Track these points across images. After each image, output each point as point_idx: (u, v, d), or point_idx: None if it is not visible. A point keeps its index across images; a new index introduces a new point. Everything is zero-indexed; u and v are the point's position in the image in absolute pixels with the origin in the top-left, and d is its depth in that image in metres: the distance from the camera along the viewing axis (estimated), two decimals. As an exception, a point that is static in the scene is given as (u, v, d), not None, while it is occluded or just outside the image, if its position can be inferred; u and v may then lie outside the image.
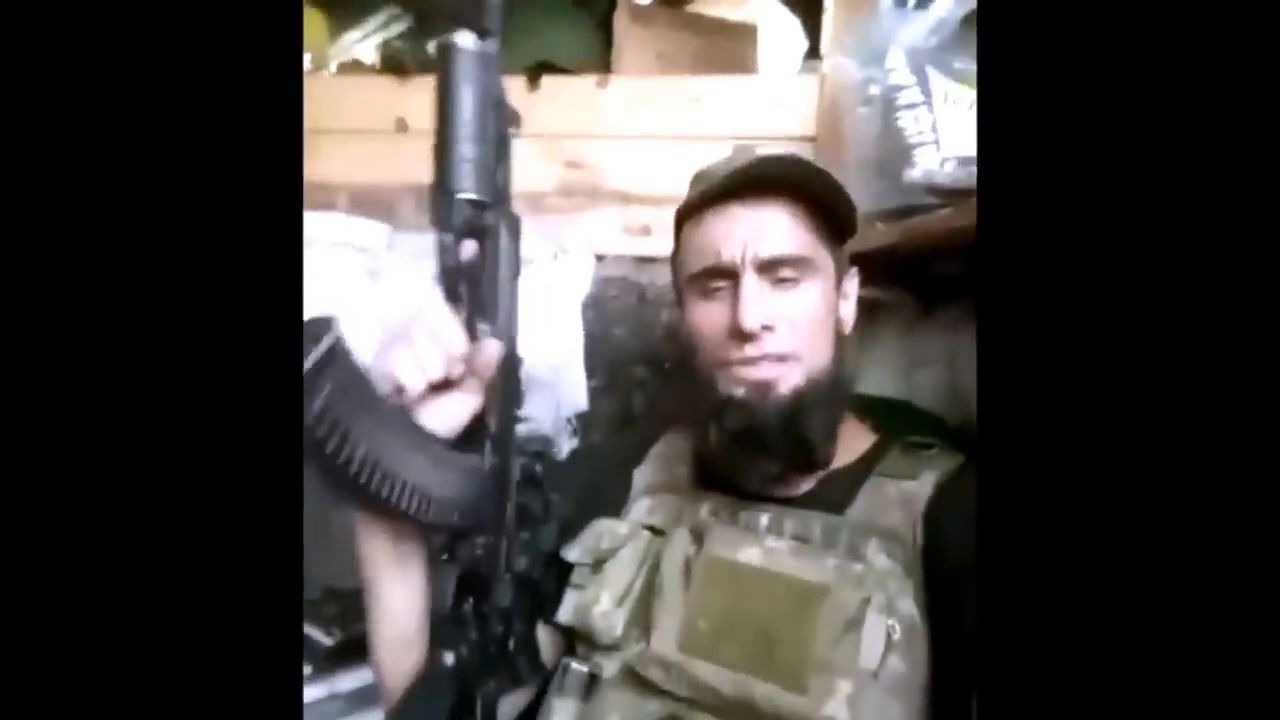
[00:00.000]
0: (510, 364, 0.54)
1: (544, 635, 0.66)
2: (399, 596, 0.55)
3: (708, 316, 0.63)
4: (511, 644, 0.58)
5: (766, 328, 0.60)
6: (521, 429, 0.57)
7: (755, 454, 0.61)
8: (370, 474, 0.46)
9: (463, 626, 0.55)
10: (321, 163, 1.18)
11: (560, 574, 0.66)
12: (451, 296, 0.51)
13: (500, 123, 0.52)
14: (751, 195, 0.61)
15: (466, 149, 0.49)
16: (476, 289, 0.51)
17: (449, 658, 0.54)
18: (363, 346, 0.50)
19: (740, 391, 0.61)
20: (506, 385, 0.54)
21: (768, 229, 0.61)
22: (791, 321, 0.61)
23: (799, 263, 0.61)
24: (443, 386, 0.50)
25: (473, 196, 0.50)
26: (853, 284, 0.69)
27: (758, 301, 0.60)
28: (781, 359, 0.60)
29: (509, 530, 0.56)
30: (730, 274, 0.61)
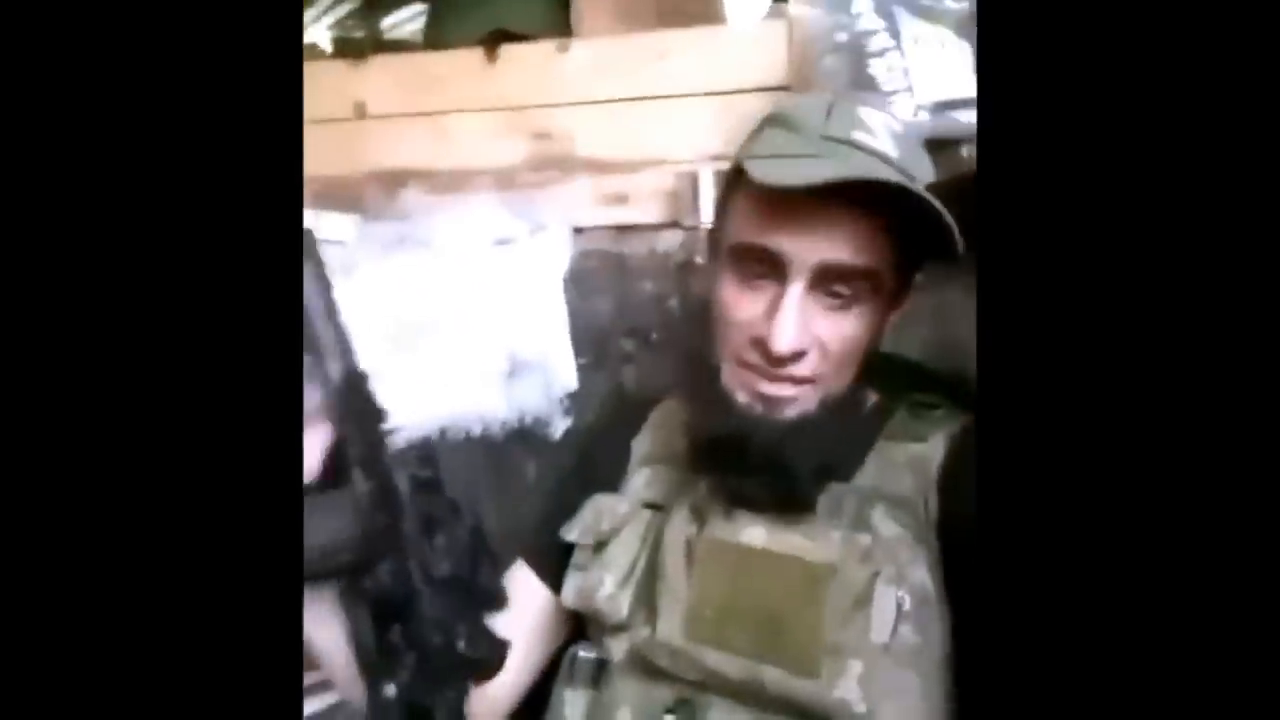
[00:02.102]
0: (354, 382, 0.51)
1: (507, 621, 0.64)
2: (326, 638, 0.53)
3: (738, 302, 0.56)
4: (462, 644, 0.57)
5: (799, 354, 0.54)
6: (398, 439, 0.55)
7: (737, 468, 0.58)
8: None
9: (395, 654, 0.53)
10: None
11: (536, 557, 0.66)
12: None
13: None
14: (830, 191, 0.50)
15: None
16: None
17: (390, 690, 0.53)
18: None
19: (742, 398, 0.57)
20: (357, 407, 0.51)
21: (838, 228, 0.52)
22: (826, 347, 0.55)
23: (861, 276, 0.53)
24: None
25: None
26: (911, 291, 0.61)
27: (798, 322, 0.53)
28: (801, 381, 0.56)
29: (413, 544, 0.53)
30: (779, 267, 0.54)
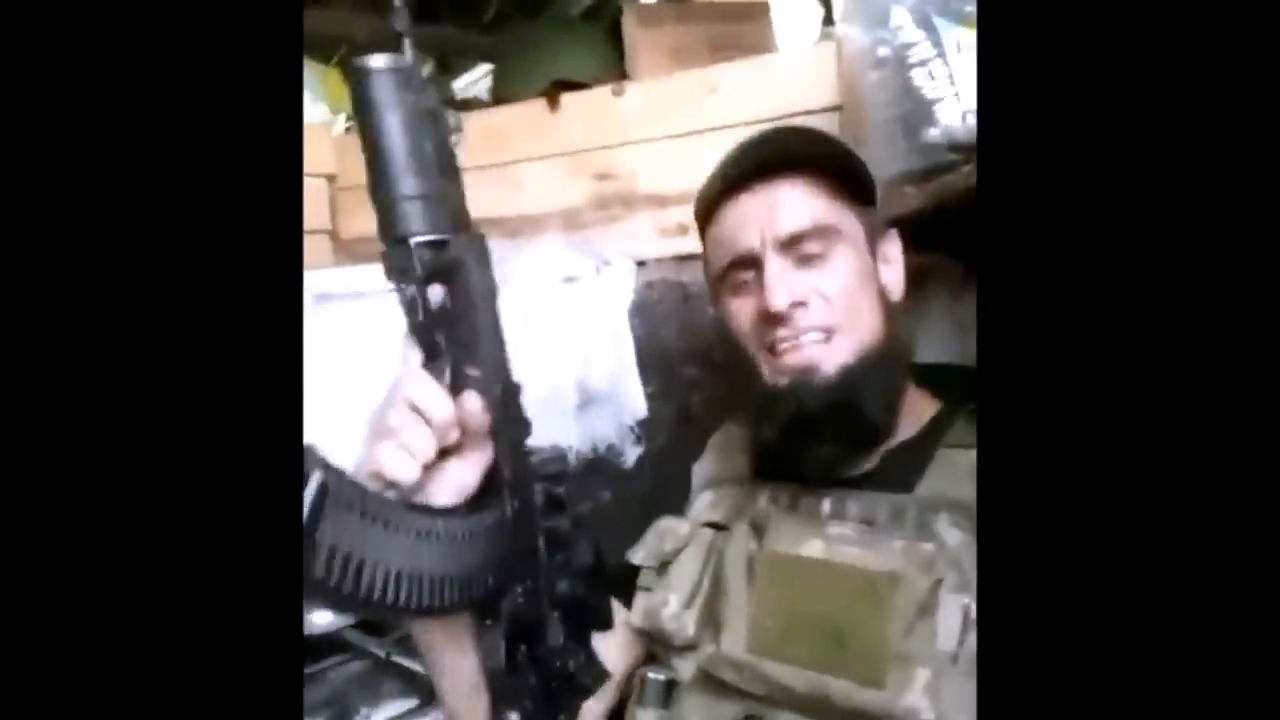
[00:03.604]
0: (508, 395, 0.49)
1: (603, 643, 0.65)
2: (458, 663, 0.55)
3: (740, 309, 0.63)
4: (571, 665, 0.58)
5: (798, 304, 0.59)
6: (534, 455, 0.52)
7: (809, 441, 0.60)
8: (399, 591, 0.42)
9: (521, 678, 0.53)
10: (368, 215, 1.24)
11: (616, 582, 0.66)
12: (429, 352, 0.46)
13: (440, 139, 0.45)
14: (759, 179, 0.61)
15: (408, 184, 0.43)
16: (455, 332, 0.45)
17: (513, 717, 0.54)
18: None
19: (784, 381, 0.60)
20: (509, 420, 0.49)
21: (780, 206, 0.60)
22: (824, 295, 0.59)
23: (821, 233, 0.60)
24: (441, 456, 0.46)
25: (429, 237, 0.43)
26: (893, 248, 0.67)
27: (783, 281, 0.59)
28: (822, 335, 0.59)
29: (542, 562, 0.53)
30: (753, 262, 0.61)
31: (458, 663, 0.55)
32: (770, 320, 0.59)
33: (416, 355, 0.45)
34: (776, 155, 0.60)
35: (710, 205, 0.64)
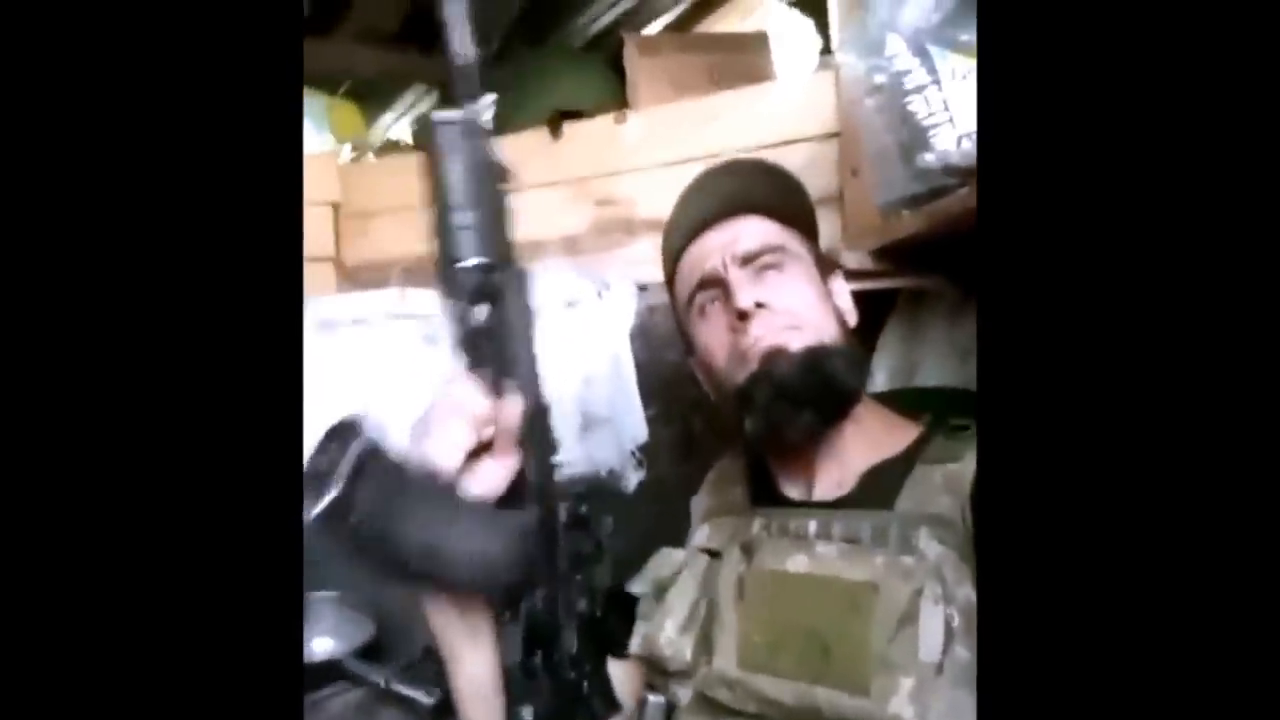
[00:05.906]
0: (539, 412, 0.54)
1: (616, 670, 0.66)
2: (475, 661, 0.56)
3: (709, 328, 0.68)
4: (585, 686, 0.59)
5: (761, 305, 0.64)
6: (564, 474, 0.58)
7: (790, 410, 0.62)
8: (426, 559, 0.47)
9: (535, 679, 0.56)
10: (372, 243, 1.25)
11: (625, 608, 0.67)
12: (474, 360, 0.52)
13: (493, 183, 0.52)
14: (718, 219, 0.68)
15: (462, 217, 0.50)
16: (496, 348, 0.52)
17: (527, 713, 0.55)
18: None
19: (757, 364, 0.63)
20: (538, 435, 0.54)
21: (740, 233, 0.67)
22: (783, 301, 0.64)
23: (776, 250, 0.67)
24: (478, 452, 0.51)
25: (476, 261, 0.50)
26: (839, 283, 0.72)
27: (748, 285, 0.65)
28: (785, 329, 0.64)
29: (563, 576, 0.57)
30: (718, 280, 0.66)
31: (475, 661, 0.56)
32: (740, 319, 0.63)
33: (461, 362, 0.51)
34: (736, 200, 0.68)
35: (679, 250, 0.70)
